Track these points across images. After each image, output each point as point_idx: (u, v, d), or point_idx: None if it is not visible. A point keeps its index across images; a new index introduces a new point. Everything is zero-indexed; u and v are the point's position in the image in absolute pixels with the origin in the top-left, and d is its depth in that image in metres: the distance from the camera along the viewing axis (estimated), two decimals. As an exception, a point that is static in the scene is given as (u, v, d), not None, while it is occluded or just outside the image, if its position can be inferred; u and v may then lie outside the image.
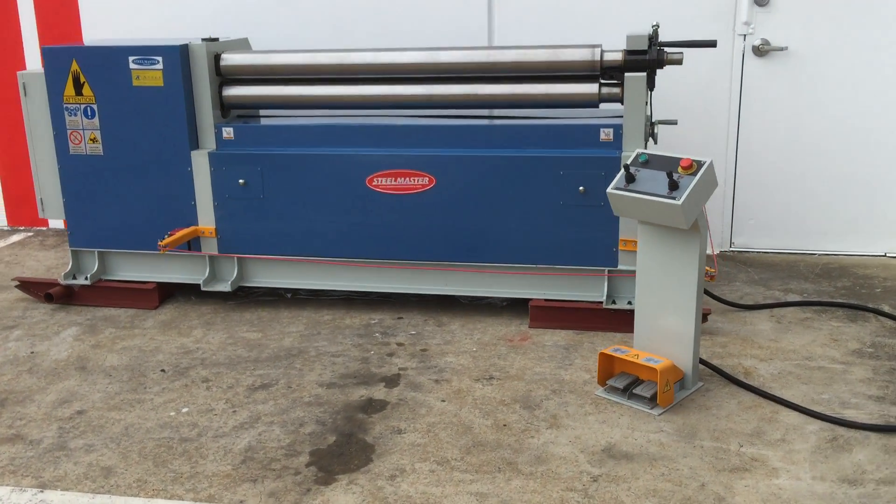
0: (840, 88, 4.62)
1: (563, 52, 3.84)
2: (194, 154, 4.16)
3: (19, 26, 5.49)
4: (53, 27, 5.44)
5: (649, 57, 3.71)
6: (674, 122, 4.06)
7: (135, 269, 4.43)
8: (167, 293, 4.49)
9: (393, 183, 4.00)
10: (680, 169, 3.02)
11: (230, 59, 4.17)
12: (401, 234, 4.05)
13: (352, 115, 4.29)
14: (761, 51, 4.63)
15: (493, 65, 3.91)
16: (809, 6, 4.54)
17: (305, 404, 3.30)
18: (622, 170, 3.13)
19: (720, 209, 4.90)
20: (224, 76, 4.21)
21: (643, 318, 3.34)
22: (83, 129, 4.25)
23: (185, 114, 4.11)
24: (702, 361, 3.42)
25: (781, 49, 4.61)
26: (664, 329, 3.28)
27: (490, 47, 3.97)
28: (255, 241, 4.22)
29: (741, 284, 4.44)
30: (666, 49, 3.77)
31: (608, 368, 3.30)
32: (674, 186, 2.98)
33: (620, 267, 3.85)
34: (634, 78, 3.69)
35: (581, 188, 3.78)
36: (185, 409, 3.29)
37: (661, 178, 3.03)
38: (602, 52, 3.80)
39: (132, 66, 4.10)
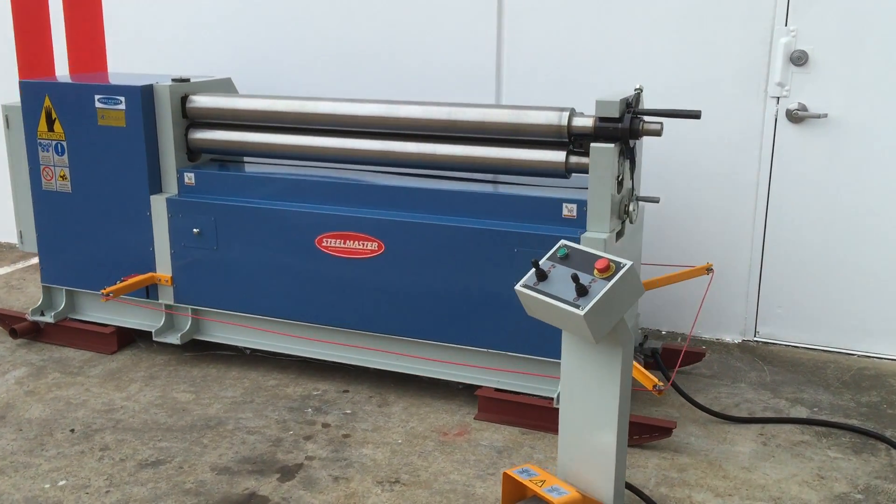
0: (887, 163, 3.92)
1: (528, 115, 3.40)
2: (153, 199, 3.98)
3: (53, 59, 5.53)
4: (82, 61, 5.44)
5: (622, 126, 3.22)
6: (655, 200, 3.54)
7: (99, 311, 4.30)
8: (129, 339, 4.33)
9: (342, 245, 3.67)
10: (595, 271, 2.54)
11: (196, 101, 3.98)
12: (350, 301, 3.72)
13: (310, 167, 4.00)
14: (797, 116, 3.99)
15: (453, 123, 3.52)
16: (855, 67, 3.88)
17: (183, 492, 3.00)
18: (532, 266, 2.67)
19: (744, 293, 4.27)
20: (191, 119, 4.02)
21: (566, 434, 2.85)
22: (54, 166, 4.16)
23: (145, 156, 3.94)
24: (634, 490, 2.89)
25: (820, 116, 3.95)
26: (587, 450, 2.78)
27: (452, 104, 3.56)
28: (208, 293, 4.00)
29: (746, 387, 3.82)
30: (645, 118, 3.27)
31: (516, 490, 2.83)
32: (582, 292, 2.50)
33: (578, 362, 3.35)
34: (601, 149, 3.20)
35: (536, 269, 3.32)
36: (61, 482, 3.07)
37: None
38: (571, 116, 3.34)
39: (97, 104, 3.97)
